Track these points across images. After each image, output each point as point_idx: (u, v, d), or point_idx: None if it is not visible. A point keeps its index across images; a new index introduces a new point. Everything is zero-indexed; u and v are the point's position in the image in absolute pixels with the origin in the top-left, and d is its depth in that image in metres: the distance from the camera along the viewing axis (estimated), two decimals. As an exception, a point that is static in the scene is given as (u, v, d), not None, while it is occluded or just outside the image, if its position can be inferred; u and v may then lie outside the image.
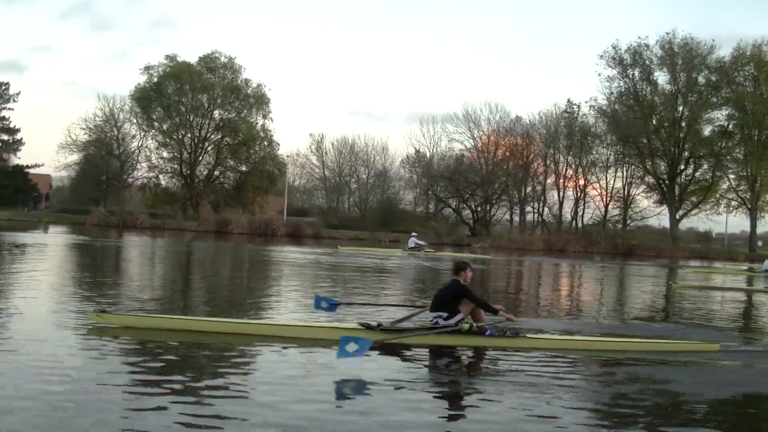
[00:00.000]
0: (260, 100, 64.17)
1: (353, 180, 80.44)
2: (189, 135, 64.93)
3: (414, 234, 38.32)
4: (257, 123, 65.44)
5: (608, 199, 70.48)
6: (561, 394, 6.58)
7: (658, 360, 8.54)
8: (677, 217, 65.55)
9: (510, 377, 7.22)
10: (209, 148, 65.95)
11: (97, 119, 65.60)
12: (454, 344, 8.93)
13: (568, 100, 72.96)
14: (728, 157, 64.86)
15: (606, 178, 70.11)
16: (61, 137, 77.19)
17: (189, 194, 64.06)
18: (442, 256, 34.35)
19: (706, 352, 9.19)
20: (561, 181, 70.91)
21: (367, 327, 9.07)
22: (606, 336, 10.13)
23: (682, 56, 64.14)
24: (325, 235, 54.36)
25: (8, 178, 64.54)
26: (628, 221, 69.83)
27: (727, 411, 6.65)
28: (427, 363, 8.25)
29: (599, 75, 67.49)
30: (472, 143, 72.84)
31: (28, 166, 68.22)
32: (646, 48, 65.13)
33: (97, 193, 72.21)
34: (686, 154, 65.20)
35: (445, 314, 9.25)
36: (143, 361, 7.11)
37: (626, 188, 70.11)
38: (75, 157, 67.59)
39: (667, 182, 65.63)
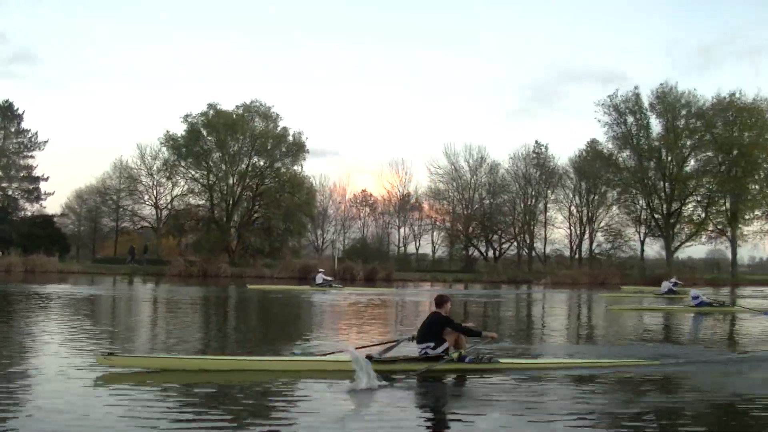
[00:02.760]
0: (300, 148, 65.96)
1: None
2: (226, 183, 65.76)
3: (321, 270, 40.16)
4: (293, 171, 67.04)
5: (589, 231, 77.04)
6: (535, 411, 7.77)
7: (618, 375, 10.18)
8: (672, 248, 72.80)
9: (488, 398, 8.46)
10: (245, 195, 66.88)
11: (132, 166, 66.33)
12: (440, 370, 9.93)
13: (536, 142, 78.63)
14: (711, 194, 72.33)
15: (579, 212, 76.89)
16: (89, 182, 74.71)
17: (225, 241, 64.90)
18: (355, 291, 37.06)
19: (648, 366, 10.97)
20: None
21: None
22: (568, 358, 11.88)
23: (667, 105, 71.49)
24: (396, 277, 57.18)
25: (40, 227, 63.33)
26: (618, 252, 76.81)
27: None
28: (414, 389, 9.12)
29: (599, 121, 72.69)
30: (454, 185, 77.55)
31: (55, 215, 67.38)
32: (637, 97, 72.47)
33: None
34: (676, 192, 72.30)
35: (432, 344, 10.20)
36: (156, 401, 7.89)
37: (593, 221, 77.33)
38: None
39: (662, 218, 72.49)
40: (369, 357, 9.85)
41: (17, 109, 64.94)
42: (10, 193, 65.86)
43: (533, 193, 75.84)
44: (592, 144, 77.44)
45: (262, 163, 66.36)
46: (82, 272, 52.34)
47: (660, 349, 13.92)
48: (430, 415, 7.85)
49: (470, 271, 67.14)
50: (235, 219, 66.33)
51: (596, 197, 76.76)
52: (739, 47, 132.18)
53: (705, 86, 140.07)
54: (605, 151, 74.81)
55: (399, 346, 10.70)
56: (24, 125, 65.50)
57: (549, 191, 76.70)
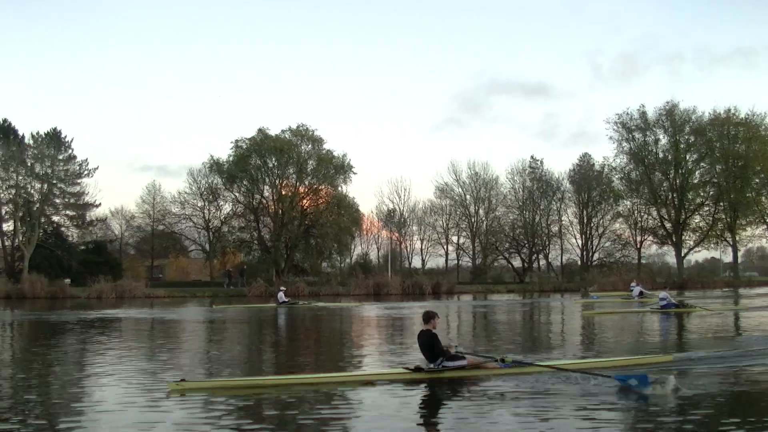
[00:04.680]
0: (346, 170, 68.58)
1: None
2: (275, 205, 68.04)
3: (282, 288, 40.24)
4: (339, 192, 69.56)
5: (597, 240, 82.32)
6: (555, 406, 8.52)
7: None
8: (682, 254, 78.36)
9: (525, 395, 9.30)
10: (293, 217, 68.02)
11: (185, 193, 68.22)
12: (481, 374, 10.50)
13: (532, 157, 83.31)
14: (716, 203, 77.99)
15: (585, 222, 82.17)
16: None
17: (274, 262, 66.82)
18: (322, 306, 37.61)
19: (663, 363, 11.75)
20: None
21: (410, 369, 10.55)
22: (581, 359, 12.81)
23: (672, 121, 76.98)
24: (456, 290, 60.61)
25: (95, 254, 64.34)
26: (627, 259, 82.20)
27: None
28: (460, 393, 9.53)
29: (610, 138, 78.06)
30: (458, 199, 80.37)
31: (106, 241, 68.52)
32: (644, 114, 77.90)
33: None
34: (685, 203, 77.84)
35: (444, 357, 10.55)
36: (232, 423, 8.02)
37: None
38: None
39: (672, 226, 77.84)
40: (419, 368, 10.50)
41: (65, 136, 65.72)
42: (58, 219, 66.52)
43: (543, 207, 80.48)
44: (585, 158, 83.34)
45: (309, 185, 68.50)
46: (168, 296, 53.66)
47: (660, 346, 15.10)
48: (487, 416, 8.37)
49: (483, 282, 71.05)
50: (282, 240, 68.09)
51: (602, 208, 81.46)
52: (659, 53, 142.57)
53: (630, 93, 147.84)
54: (615, 166, 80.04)
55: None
56: (73, 152, 66.12)
57: (559, 204, 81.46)
